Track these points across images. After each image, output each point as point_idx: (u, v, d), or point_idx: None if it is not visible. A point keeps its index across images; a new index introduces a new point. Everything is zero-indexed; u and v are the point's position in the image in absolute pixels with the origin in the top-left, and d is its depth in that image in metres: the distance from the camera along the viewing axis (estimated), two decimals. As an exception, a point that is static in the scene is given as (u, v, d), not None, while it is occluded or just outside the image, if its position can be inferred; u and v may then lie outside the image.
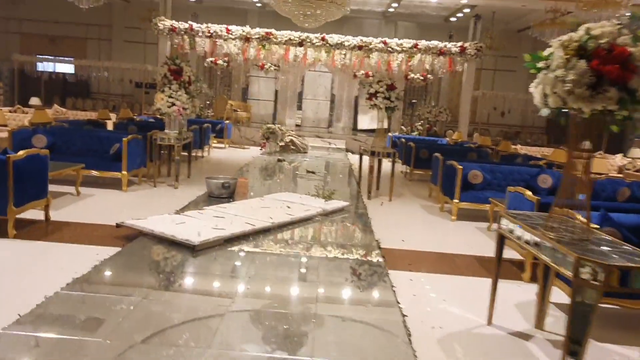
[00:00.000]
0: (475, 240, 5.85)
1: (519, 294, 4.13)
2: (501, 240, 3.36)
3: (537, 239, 2.84)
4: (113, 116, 12.53)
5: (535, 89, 2.92)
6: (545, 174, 6.81)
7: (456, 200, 6.56)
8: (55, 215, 5.27)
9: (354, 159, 13.44)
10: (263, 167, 10.54)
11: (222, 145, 14.01)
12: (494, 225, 6.15)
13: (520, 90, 19.38)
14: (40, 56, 19.83)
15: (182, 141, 7.50)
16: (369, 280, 4.24)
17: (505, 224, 3.23)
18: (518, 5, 14.99)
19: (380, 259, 4.56)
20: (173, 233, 4.39)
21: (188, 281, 3.90)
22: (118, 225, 4.70)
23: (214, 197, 6.54)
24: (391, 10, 17.60)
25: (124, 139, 6.78)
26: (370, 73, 16.85)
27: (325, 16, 9.15)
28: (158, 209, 5.87)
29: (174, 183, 7.51)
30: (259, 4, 18.45)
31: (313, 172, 9.59)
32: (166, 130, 7.48)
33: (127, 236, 4.66)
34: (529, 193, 4.45)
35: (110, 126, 10.17)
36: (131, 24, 18.93)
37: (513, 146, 18.29)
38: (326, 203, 6.26)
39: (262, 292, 3.77)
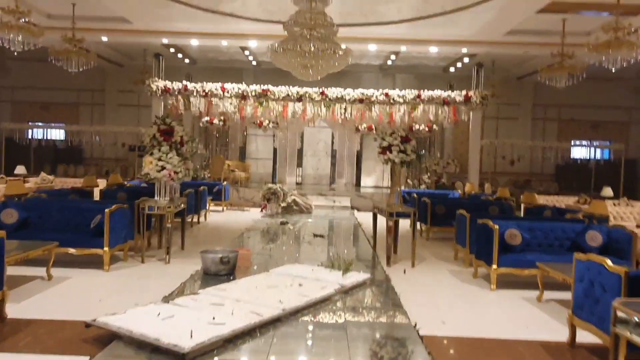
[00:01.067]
0: (529, 316, 4.84)
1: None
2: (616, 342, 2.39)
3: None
4: (103, 182, 11.71)
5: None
6: (593, 230, 5.90)
7: (495, 266, 5.59)
8: (14, 310, 4.27)
9: (361, 217, 12.55)
10: (265, 232, 9.60)
11: (220, 208, 13.12)
12: (545, 295, 5.17)
13: (525, 137, 18.83)
14: (32, 123, 19.32)
15: (174, 209, 6.61)
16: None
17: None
18: (519, 52, 14.63)
19: (427, 357, 3.54)
20: (157, 335, 3.38)
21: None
22: (87, 325, 3.70)
23: (210, 275, 5.56)
24: (389, 62, 17.31)
25: (106, 210, 5.88)
26: (373, 126, 16.31)
27: (327, 68, 8.54)
28: (143, 293, 4.89)
29: (165, 257, 6.53)
30: (254, 62, 18.19)
31: (321, 236, 8.64)
32: (156, 198, 6.60)
33: (99, 338, 3.66)
34: (609, 263, 3.51)
35: (97, 194, 9.30)
36: (124, 87, 18.58)
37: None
38: (344, 277, 5.27)
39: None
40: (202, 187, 10.69)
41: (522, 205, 9.81)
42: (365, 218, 12.45)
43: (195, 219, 10.34)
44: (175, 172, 6.45)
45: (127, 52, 17.82)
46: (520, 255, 5.69)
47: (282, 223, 10.26)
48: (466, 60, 16.25)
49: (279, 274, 5.41)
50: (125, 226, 6.35)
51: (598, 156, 20.02)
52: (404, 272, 6.40)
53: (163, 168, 6.37)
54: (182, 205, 7.17)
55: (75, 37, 11.90)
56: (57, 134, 19.88)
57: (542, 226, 6.14)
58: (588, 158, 20.14)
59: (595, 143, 19.63)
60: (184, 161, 6.75)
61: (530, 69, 18.01)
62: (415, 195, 10.46)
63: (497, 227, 5.60)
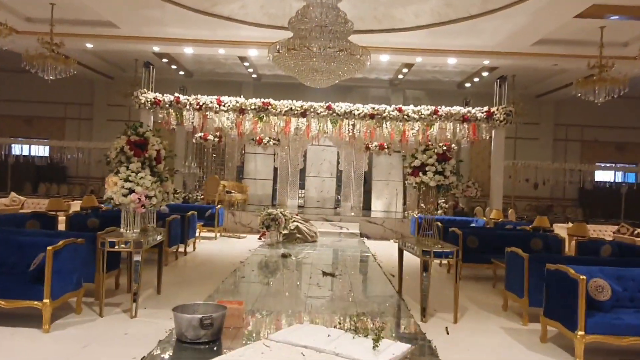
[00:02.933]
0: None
1: None
2: None
3: None
4: (77, 204, 10.20)
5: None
6: None
7: (581, 333, 4.04)
8: None
9: (372, 246, 11.02)
10: (263, 267, 8.05)
11: (213, 235, 11.57)
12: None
13: (545, 159, 17.41)
14: (13, 137, 17.89)
15: (146, 244, 5.07)
16: None
17: None
18: (546, 66, 13.30)
19: None
20: None
21: None
22: None
23: (187, 344, 3.99)
24: (400, 77, 15.99)
25: (48, 247, 4.34)
26: (385, 144, 14.89)
27: (340, 72, 7.11)
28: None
29: (131, 308, 4.97)
30: (254, 75, 16.87)
31: (332, 275, 7.08)
32: (122, 229, 5.07)
33: None
34: None
35: (62, 221, 7.77)
36: (114, 101, 17.19)
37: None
38: (375, 351, 3.69)
39: None
40: (190, 212, 9.16)
41: (567, 238, 8.28)
42: (378, 247, 10.94)
43: (182, 249, 8.80)
44: (148, 197, 4.94)
45: (118, 63, 16.52)
46: (613, 317, 4.16)
47: (284, 256, 8.71)
48: (485, 74, 14.94)
49: (282, 344, 3.85)
50: (78, 268, 4.82)
51: (622, 180, 18.60)
52: (447, 331, 4.84)
53: (131, 191, 4.86)
54: (159, 237, 5.64)
55: (53, 41, 10.57)
56: (40, 149, 18.44)
57: (632, 273, 4.60)
58: (612, 182, 18.69)
59: (620, 166, 18.24)
60: (161, 182, 5.25)
61: (551, 86, 16.73)
62: (439, 224, 8.92)
63: (583, 277, 4.07)
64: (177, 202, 13.75)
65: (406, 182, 5.96)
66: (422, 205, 14.71)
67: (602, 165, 17.68)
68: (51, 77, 10.82)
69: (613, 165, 17.98)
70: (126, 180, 4.86)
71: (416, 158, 5.59)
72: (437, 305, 5.69)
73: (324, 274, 7.15)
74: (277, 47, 7.11)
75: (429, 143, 14.36)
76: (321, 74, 7.12)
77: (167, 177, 5.53)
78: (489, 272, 7.62)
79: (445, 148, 5.62)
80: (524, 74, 15.01)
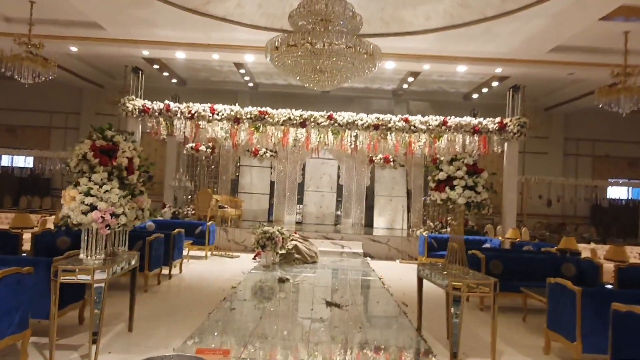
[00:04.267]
0: None
1: None
2: None
3: None
4: (52, 221, 9.22)
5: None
6: None
7: (672, 398, 3.09)
8: None
9: (377, 267, 10.07)
10: (257, 294, 7.06)
11: (203, 254, 10.59)
12: None
13: (556, 174, 16.56)
14: (-5, 148, 16.95)
15: (109, 274, 4.10)
16: None
17: None
18: (562, 75, 12.51)
19: None
20: None
21: None
22: None
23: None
24: (405, 86, 15.18)
25: (-20, 280, 3.38)
26: (390, 157, 14.01)
27: (348, 72, 6.22)
28: None
29: (90, 353, 3.98)
30: (250, 84, 16.03)
31: (337, 306, 6.09)
32: (81, 255, 4.11)
33: None
34: None
35: (27, 241, 6.79)
36: (103, 110, 16.30)
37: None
38: None
39: None
40: (177, 231, 8.18)
41: (603, 262, 7.32)
42: (383, 269, 9.98)
43: (166, 272, 7.82)
44: (114, 215, 3.99)
45: (107, 70, 15.67)
46: None
47: (281, 280, 7.72)
48: (495, 84, 14.14)
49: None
50: (23, 303, 3.83)
51: (635, 196, 17.77)
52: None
53: (93, 207, 3.91)
54: (133, 262, 4.67)
55: (31, 42, 9.69)
56: (23, 160, 17.47)
57: None
58: (623, 198, 17.84)
59: (634, 182, 17.39)
60: (133, 197, 4.30)
61: (561, 98, 15.96)
62: (456, 246, 7.97)
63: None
64: (163, 217, 12.77)
65: (428, 198, 5.04)
66: (430, 223, 13.86)
67: (620, 181, 16.79)
68: (29, 81, 9.91)
69: (627, 181, 17.10)
70: (87, 194, 3.92)
71: (441, 170, 4.68)
72: (464, 345, 4.72)
73: (328, 304, 6.17)
74: (276, 43, 6.23)
75: (437, 155, 13.64)
76: (325, 74, 6.22)
77: (141, 191, 4.58)
78: (515, 302, 6.67)
79: (476, 159, 4.71)
80: (534, 85, 14.21)
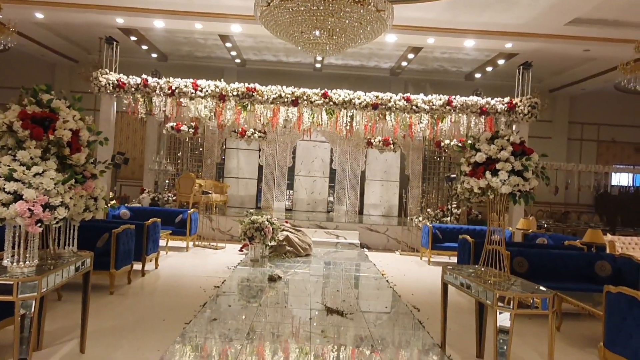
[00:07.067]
0: None
1: None
2: None
3: None
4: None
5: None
6: None
7: None
8: None
9: (376, 259, 9.15)
10: (243, 297, 6.05)
11: (184, 244, 9.55)
12: None
13: (559, 160, 15.73)
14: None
15: (42, 287, 3.04)
16: None
17: None
18: (577, 51, 11.53)
19: None
20: None
21: None
22: None
23: None
24: (404, 64, 14.10)
25: None
26: (390, 140, 13.01)
27: (353, 32, 5.14)
28: None
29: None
30: (237, 60, 14.82)
31: (340, 313, 5.11)
32: (5, 261, 3.05)
33: None
34: None
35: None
36: (78, 87, 14.96)
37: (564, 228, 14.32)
38: None
39: None
40: (151, 220, 7.11)
41: None
42: (383, 262, 9.07)
43: (139, 267, 6.78)
44: (49, 207, 2.92)
45: (81, 43, 14.32)
46: None
47: (271, 279, 6.73)
48: (501, 62, 13.13)
49: None
50: None
51: (636, 183, 17.06)
52: None
53: (18, 196, 2.84)
54: (83, 266, 3.61)
55: (-15, 3, 8.45)
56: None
57: None
58: (629, 185, 17.10)
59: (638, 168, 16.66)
60: (77, 183, 3.24)
61: (568, 79, 15.03)
62: (469, 239, 7.04)
63: None
64: (141, 204, 11.67)
65: (458, 185, 4.04)
66: (429, 211, 12.92)
67: (633, 167, 16.00)
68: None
69: (635, 167, 16.35)
70: (9, 178, 2.84)
71: (479, 150, 3.68)
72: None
73: (329, 311, 5.19)
74: (267, -2, 5.13)
75: (439, 138, 12.67)
76: (327, 36, 5.15)
77: (93, 175, 3.51)
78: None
79: (522, 138, 3.71)
80: (543, 64, 13.23)
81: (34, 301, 2.92)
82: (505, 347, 3.20)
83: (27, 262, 3.04)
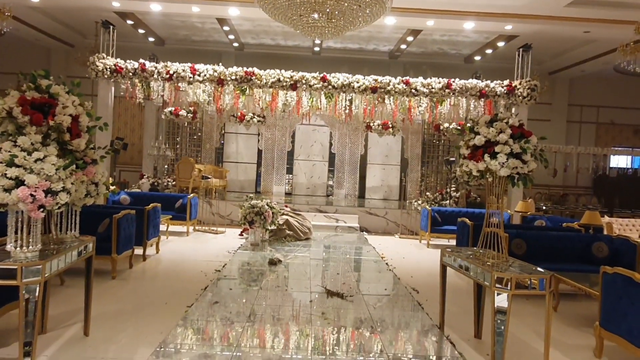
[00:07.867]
0: None
1: None
2: None
3: None
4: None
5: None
6: None
7: None
8: None
9: (376, 243, 9.23)
10: (244, 281, 6.12)
11: (184, 229, 9.61)
12: None
13: (558, 143, 15.74)
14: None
15: (45, 271, 3.08)
16: None
17: None
18: (577, 33, 11.46)
19: None
20: None
21: None
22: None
23: None
24: (403, 47, 14.00)
25: None
26: (389, 123, 13.00)
27: (352, 14, 5.10)
28: None
29: (28, 374, 3.01)
30: (235, 44, 14.71)
31: (340, 296, 5.17)
32: (8, 246, 3.08)
33: None
34: None
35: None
36: (75, 72, 14.87)
37: (564, 211, 14.39)
38: None
39: None
40: (152, 205, 7.14)
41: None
42: (382, 245, 9.15)
43: (140, 252, 6.84)
44: (52, 193, 2.95)
45: (77, 27, 14.19)
46: None
47: (272, 262, 6.79)
48: (500, 44, 13.05)
49: None
50: None
51: (634, 165, 17.10)
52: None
53: (20, 182, 2.86)
54: (85, 251, 3.65)
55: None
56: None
57: None
58: (627, 167, 17.14)
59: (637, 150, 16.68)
60: (77, 168, 3.25)
61: (568, 61, 14.96)
62: (468, 222, 7.10)
63: None
64: (141, 189, 11.70)
65: (457, 169, 4.06)
66: (428, 194, 12.97)
67: (632, 149, 16.03)
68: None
69: (634, 149, 16.37)
70: (10, 164, 2.86)
71: (478, 133, 3.69)
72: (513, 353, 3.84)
73: (329, 293, 5.25)
74: (265, -21, 5.08)
75: (439, 121, 12.66)
76: (326, 19, 5.11)
77: (94, 160, 3.53)
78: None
79: (520, 121, 3.72)
80: (542, 46, 13.16)
81: (38, 285, 2.96)
82: (502, 327, 3.26)
83: (30, 247, 3.07)
